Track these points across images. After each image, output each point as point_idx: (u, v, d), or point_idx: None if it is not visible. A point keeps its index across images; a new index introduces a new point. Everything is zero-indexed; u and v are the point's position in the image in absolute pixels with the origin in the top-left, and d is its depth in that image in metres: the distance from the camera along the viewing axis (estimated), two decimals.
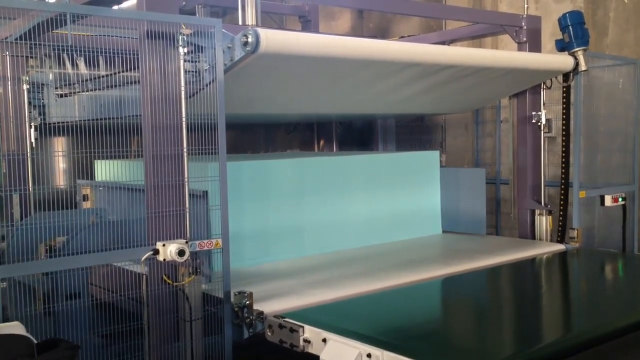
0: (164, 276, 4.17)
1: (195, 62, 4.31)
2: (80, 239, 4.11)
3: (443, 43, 7.84)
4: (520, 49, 6.47)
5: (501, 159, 7.92)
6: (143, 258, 3.93)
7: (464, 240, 6.66)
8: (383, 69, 5.10)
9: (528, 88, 6.48)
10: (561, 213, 6.30)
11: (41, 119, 5.65)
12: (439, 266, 5.41)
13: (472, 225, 6.88)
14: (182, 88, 4.17)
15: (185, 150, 4.22)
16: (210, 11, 8.11)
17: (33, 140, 5.59)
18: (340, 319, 4.08)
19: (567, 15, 6.10)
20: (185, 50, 4.17)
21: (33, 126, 5.56)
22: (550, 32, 7.42)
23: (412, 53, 5.03)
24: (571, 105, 6.32)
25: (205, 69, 4.29)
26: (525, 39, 6.40)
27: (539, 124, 6.42)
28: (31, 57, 5.80)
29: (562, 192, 6.30)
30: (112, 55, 4.36)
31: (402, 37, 7.83)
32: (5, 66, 5.48)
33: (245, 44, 4.10)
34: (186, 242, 4.04)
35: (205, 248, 4.20)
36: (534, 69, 5.96)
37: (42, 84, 5.73)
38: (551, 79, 6.39)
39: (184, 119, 4.17)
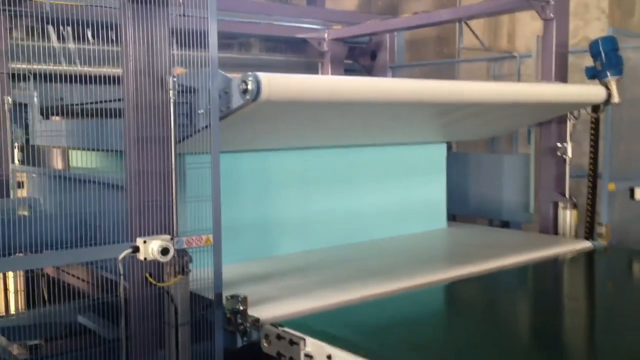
0: (147, 275, 3.68)
1: (188, 103, 3.87)
2: None
3: (458, 20, 7.32)
4: (546, 26, 5.91)
5: (519, 143, 7.37)
6: (120, 257, 3.42)
7: (478, 235, 6.30)
8: (397, 109, 4.65)
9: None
10: (589, 207, 5.81)
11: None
12: (453, 266, 4.98)
13: (516, 214, 6.57)
14: (172, 130, 3.75)
15: (172, 133, 3.73)
16: None
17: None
18: (349, 329, 3.59)
19: (600, 41, 5.58)
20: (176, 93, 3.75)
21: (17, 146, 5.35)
22: (573, 13, 6.83)
23: (430, 93, 4.54)
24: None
25: (200, 112, 3.82)
26: (552, 15, 5.83)
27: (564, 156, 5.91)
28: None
29: (591, 184, 5.79)
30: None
31: (416, 13, 7.26)
32: None
33: (245, 91, 3.57)
34: (171, 239, 3.52)
35: (194, 245, 3.68)
36: (562, 102, 5.49)
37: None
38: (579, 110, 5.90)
39: (173, 165, 3.74)
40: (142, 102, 3.71)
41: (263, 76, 3.54)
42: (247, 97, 3.56)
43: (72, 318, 4.76)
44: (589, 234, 5.85)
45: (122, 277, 3.49)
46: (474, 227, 6.71)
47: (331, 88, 3.95)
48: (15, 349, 4.80)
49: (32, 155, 5.40)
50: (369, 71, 8.31)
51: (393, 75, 8.22)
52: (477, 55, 8.00)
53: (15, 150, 5.36)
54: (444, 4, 8.67)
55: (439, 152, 6.51)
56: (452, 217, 7.01)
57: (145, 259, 3.45)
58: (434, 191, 6.46)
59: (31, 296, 4.99)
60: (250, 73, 3.55)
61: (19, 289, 5.17)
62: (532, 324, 4.15)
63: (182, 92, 3.84)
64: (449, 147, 7.34)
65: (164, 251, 3.42)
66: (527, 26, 8.36)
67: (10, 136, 5.32)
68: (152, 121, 3.75)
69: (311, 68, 7.97)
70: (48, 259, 3.34)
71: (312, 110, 4.23)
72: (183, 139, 3.93)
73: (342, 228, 5.68)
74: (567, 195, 5.96)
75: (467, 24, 7.66)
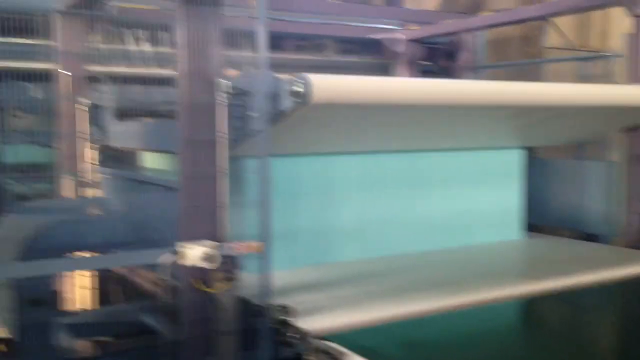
0: (193, 280, 3.60)
1: (242, 106, 3.78)
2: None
3: (542, 18, 6.90)
4: (637, 23, 5.48)
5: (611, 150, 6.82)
6: (162, 262, 3.35)
7: (557, 247, 5.87)
8: (465, 112, 4.39)
9: None
10: None
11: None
12: (525, 280, 4.65)
13: (601, 226, 6.09)
14: (222, 133, 3.66)
15: (223, 136, 3.65)
16: None
17: None
18: (400, 347, 3.39)
19: None
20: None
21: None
22: None
23: (493, 94, 4.25)
24: None
25: (254, 115, 3.74)
26: None
27: None
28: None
29: None
30: None
31: (497, 11, 6.90)
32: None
33: (294, 93, 3.44)
34: (216, 245, 3.42)
35: (242, 252, 3.57)
36: None
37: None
38: None
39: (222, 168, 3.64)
40: (194, 104, 3.65)
41: (313, 78, 3.38)
42: (297, 100, 3.41)
43: (135, 317, 4.81)
44: None
45: (165, 281, 3.44)
46: (553, 239, 6.25)
47: (386, 90, 3.74)
48: (82, 346, 4.88)
49: (107, 156, 5.53)
50: (448, 73, 8.00)
51: (474, 77, 7.87)
52: (566, 55, 7.52)
53: (94, 151, 5.51)
54: (527, 1, 8.21)
55: (515, 158, 6.10)
56: (534, 228, 6.59)
57: (188, 265, 3.38)
58: (508, 199, 6.06)
59: (100, 294, 5.06)
60: (300, 74, 3.41)
61: (88, 286, 5.28)
62: (615, 350, 3.79)
63: (235, 94, 3.75)
64: (533, 153, 6.91)
65: (207, 258, 3.33)
66: (622, 24, 7.76)
67: (88, 137, 5.48)
68: (204, 123, 3.68)
69: (387, 70, 7.76)
70: (87, 262, 3.31)
71: (370, 113, 4.03)
72: (237, 142, 3.83)
73: (406, 236, 5.42)
74: None
75: (553, 21, 7.22)
